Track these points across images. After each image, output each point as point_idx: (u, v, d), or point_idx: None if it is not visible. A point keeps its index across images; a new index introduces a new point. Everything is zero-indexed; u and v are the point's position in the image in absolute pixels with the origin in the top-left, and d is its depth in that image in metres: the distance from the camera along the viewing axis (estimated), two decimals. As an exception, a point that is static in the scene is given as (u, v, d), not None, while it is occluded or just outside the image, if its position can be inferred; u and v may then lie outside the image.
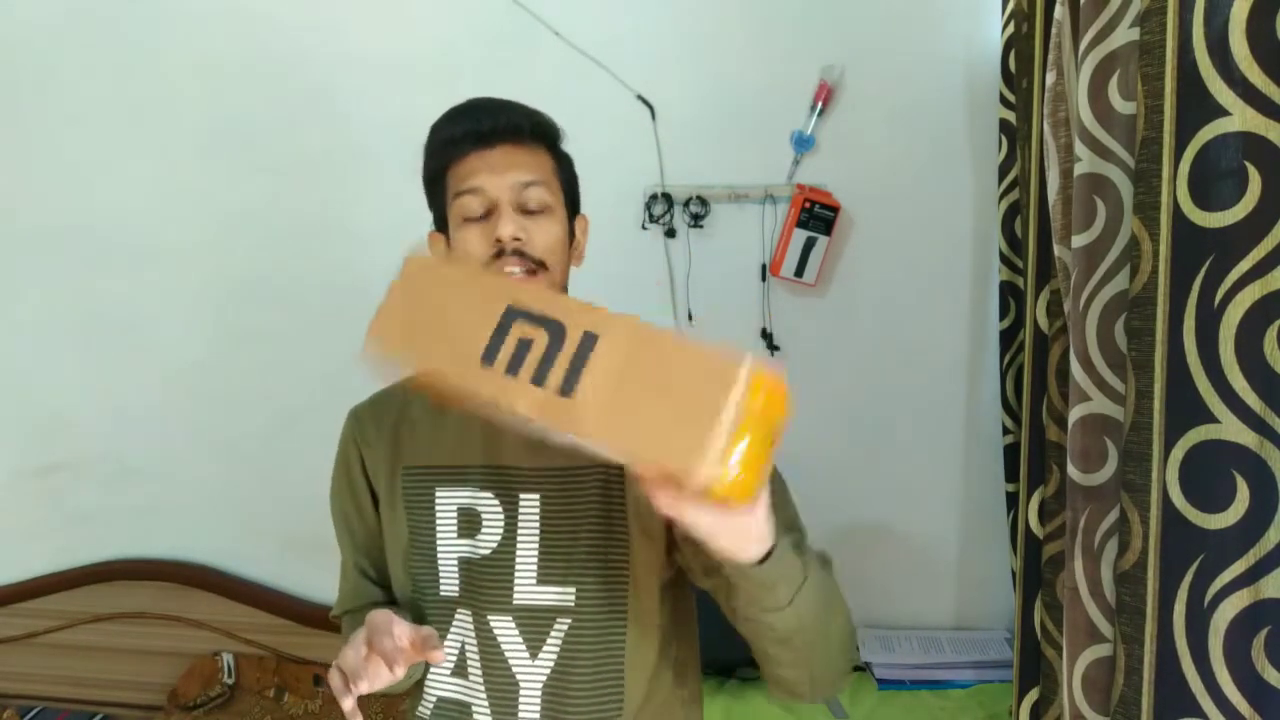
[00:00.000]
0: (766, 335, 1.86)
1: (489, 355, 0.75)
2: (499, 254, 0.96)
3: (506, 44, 1.83)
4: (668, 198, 1.82)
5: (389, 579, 1.14)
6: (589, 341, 0.73)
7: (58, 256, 2.05)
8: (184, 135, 1.97)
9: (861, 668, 1.82)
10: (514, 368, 0.74)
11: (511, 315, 0.76)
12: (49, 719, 2.13)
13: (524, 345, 0.75)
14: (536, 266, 0.97)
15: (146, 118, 1.97)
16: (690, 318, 1.87)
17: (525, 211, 0.98)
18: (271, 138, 1.94)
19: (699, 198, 1.82)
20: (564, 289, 1.04)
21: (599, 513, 1.04)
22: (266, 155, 1.95)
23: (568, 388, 0.72)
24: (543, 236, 0.98)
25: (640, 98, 1.81)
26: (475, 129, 0.98)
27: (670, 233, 1.85)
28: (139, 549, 2.14)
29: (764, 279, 1.84)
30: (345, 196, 1.94)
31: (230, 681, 2.08)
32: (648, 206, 1.82)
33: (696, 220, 1.82)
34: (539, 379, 0.73)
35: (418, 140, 2.10)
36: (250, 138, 1.95)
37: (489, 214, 0.97)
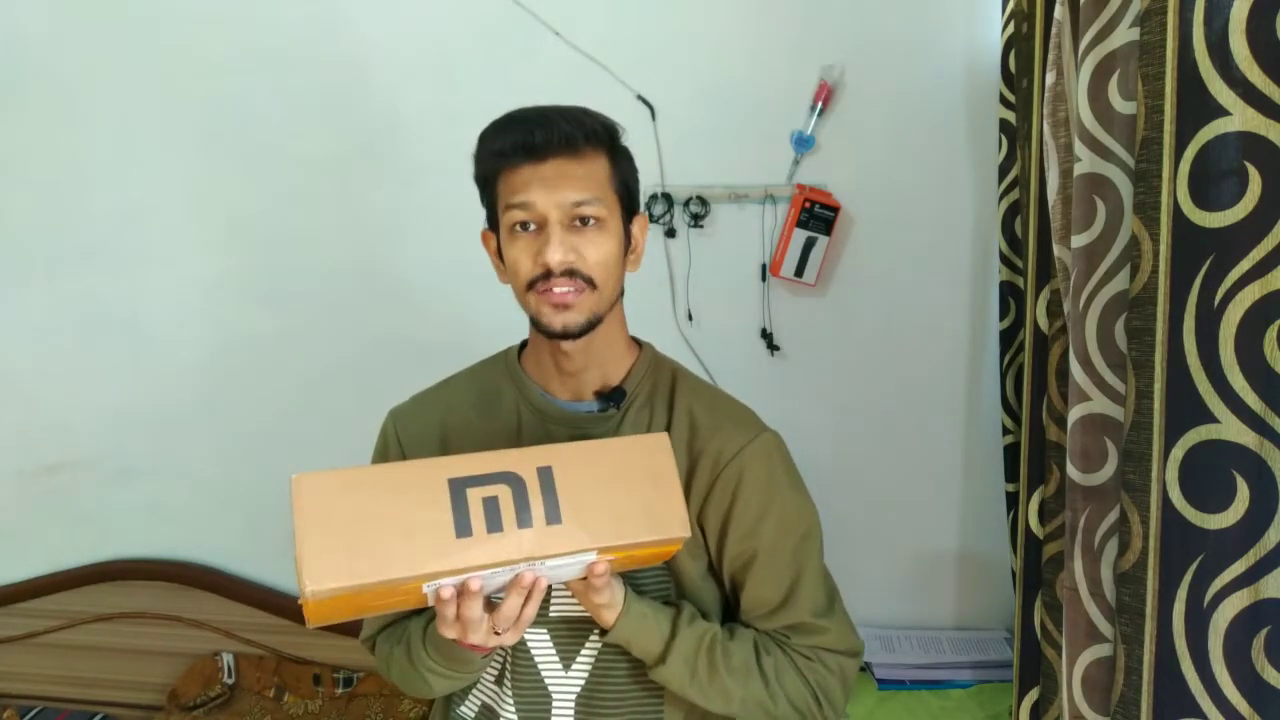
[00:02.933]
0: (766, 335, 1.86)
1: (461, 529, 0.79)
2: (547, 274, 0.94)
3: (506, 44, 1.83)
4: (668, 198, 1.82)
5: None
6: (546, 473, 0.82)
7: (58, 256, 2.05)
8: (184, 135, 1.96)
9: (862, 668, 1.82)
10: (494, 526, 0.80)
11: (459, 486, 0.81)
12: (49, 719, 2.13)
13: (491, 504, 0.81)
14: (586, 284, 0.95)
15: (146, 118, 1.97)
16: (690, 318, 1.87)
17: (577, 227, 0.95)
18: (271, 138, 1.94)
19: (699, 198, 1.82)
20: (618, 298, 1.03)
21: None
22: (267, 155, 1.95)
23: (553, 517, 0.81)
24: (594, 253, 0.95)
25: (640, 98, 1.81)
26: (527, 141, 0.93)
27: (670, 233, 1.85)
28: (139, 549, 2.14)
29: (764, 279, 1.84)
30: (345, 197, 1.94)
31: (230, 681, 2.08)
32: (648, 206, 1.82)
33: (696, 220, 1.82)
34: (524, 523, 0.80)
35: (417, 140, 2.10)
36: (250, 138, 1.95)
37: (540, 229, 0.95)
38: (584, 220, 0.95)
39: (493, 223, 1.01)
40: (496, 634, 0.88)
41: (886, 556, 1.93)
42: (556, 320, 0.95)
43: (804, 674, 1.03)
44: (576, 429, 1.04)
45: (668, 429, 1.03)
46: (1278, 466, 0.76)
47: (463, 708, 1.12)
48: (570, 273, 0.94)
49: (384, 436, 1.12)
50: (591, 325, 0.97)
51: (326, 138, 1.92)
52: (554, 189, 0.93)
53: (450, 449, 1.07)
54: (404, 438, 1.10)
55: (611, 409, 1.04)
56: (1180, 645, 0.82)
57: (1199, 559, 0.81)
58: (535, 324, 0.99)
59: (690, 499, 1.01)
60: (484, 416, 1.08)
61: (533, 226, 0.95)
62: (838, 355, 1.87)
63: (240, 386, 2.05)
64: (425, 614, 1.06)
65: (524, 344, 1.12)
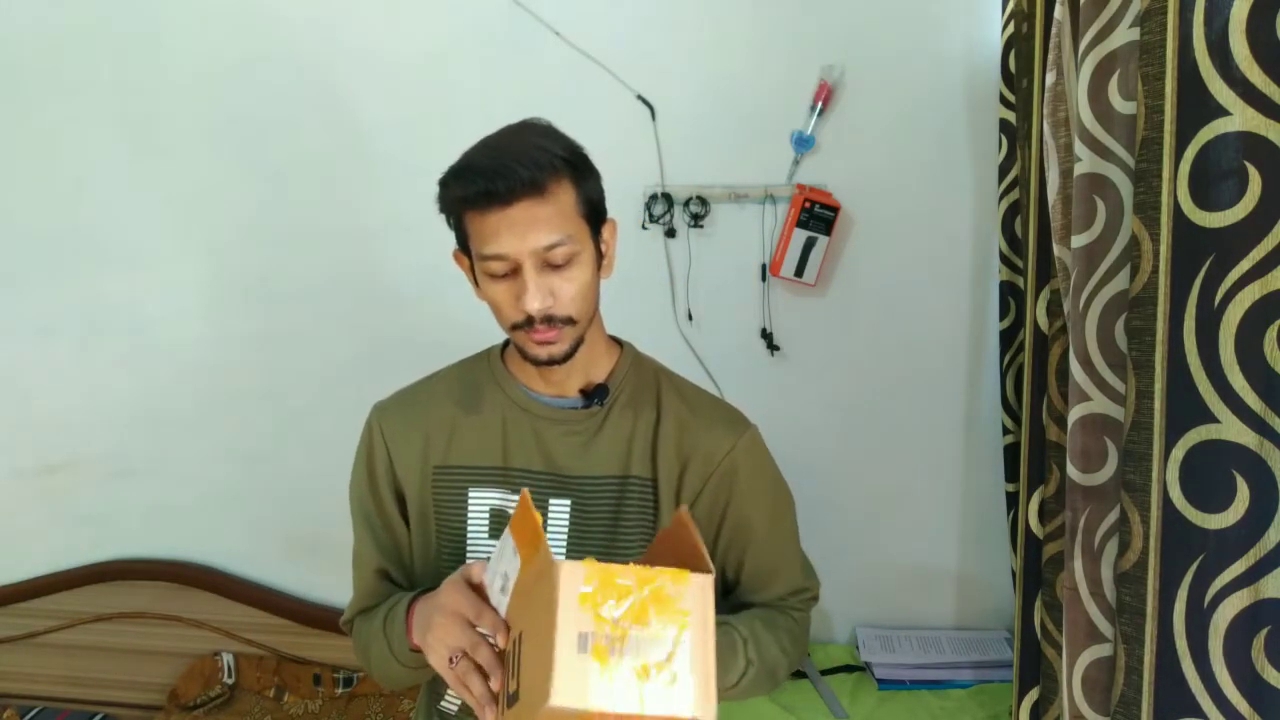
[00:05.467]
0: (766, 335, 1.86)
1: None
2: (529, 320, 0.97)
3: (506, 44, 1.82)
4: (668, 198, 1.82)
5: (414, 579, 1.14)
6: None
7: (58, 256, 2.05)
8: (185, 135, 1.96)
9: (861, 668, 1.82)
10: None
11: None
12: (49, 719, 2.13)
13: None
14: (564, 324, 0.99)
15: (146, 118, 1.97)
16: (690, 317, 1.87)
17: (551, 266, 0.97)
18: (272, 138, 1.94)
19: (699, 198, 1.82)
20: (593, 318, 1.05)
21: (633, 521, 1.07)
22: (267, 155, 1.95)
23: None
24: (569, 289, 0.98)
25: (640, 98, 1.81)
26: (490, 190, 0.94)
27: (670, 233, 1.85)
28: (139, 549, 2.14)
29: (764, 279, 1.84)
30: (345, 197, 1.94)
31: (230, 681, 2.08)
32: (648, 206, 1.82)
33: (696, 220, 1.82)
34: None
35: (418, 140, 2.10)
36: (251, 138, 1.95)
37: (515, 272, 0.97)
38: (557, 263, 0.97)
39: (463, 247, 1.03)
40: None
41: (887, 556, 1.93)
42: (543, 353, 1.00)
43: (799, 624, 1.15)
44: (562, 425, 1.08)
45: (655, 428, 1.09)
46: (1278, 466, 0.76)
47: (444, 702, 1.14)
48: (549, 319, 0.98)
49: (368, 432, 1.15)
50: (575, 349, 1.02)
51: (327, 138, 1.92)
52: (524, 236, 0.95)
53: (431, 446, 1.10)
54: (388, 433, 1.12)
55: (596, 405, 1.08)
56: (1181, 645, 0.82)
57: (1199, 559, 0.81)
58: (521, 353, 1.03)
59: (683, 495, 1.08)
60: (468, 413, 1.10)
61: (509, 272, 0.97)
62: (838, 355, 1.87)
63: (240, 386, 2.05)
64: (401, 599, 1.06)
65: (507, 342, 1.14)
